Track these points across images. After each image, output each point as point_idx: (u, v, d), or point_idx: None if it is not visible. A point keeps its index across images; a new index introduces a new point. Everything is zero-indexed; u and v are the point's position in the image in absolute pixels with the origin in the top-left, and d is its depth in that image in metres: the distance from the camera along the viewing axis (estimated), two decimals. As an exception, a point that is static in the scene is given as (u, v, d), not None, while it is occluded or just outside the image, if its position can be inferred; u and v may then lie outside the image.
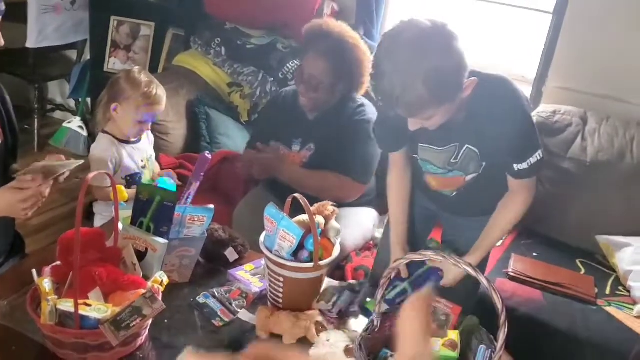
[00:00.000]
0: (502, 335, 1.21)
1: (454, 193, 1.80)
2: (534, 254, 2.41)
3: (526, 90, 1.68)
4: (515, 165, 1.61)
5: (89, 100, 3.75)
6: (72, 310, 1.23)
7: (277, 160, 2.28)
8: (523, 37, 2.87)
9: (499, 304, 1.19)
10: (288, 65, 2.90)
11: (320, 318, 1.48)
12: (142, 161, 2.18)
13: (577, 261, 2.43)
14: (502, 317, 1.20)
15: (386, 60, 1.40)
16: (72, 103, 4.05)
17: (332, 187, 2.23)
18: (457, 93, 1.43)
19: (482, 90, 1.51)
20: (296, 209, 1.56)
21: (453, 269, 1.70)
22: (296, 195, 1.49)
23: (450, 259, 1.22)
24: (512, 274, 2.22)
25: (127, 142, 2.15)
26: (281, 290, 1.54)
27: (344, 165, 2.26)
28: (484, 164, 1.66)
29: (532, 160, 1.60)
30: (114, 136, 2.11)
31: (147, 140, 2.27)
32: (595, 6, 2.59)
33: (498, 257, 2.31)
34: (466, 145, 1.63)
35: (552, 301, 2.13)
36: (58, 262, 1.38)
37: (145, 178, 2.19)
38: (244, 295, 1.61)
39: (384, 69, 1.40)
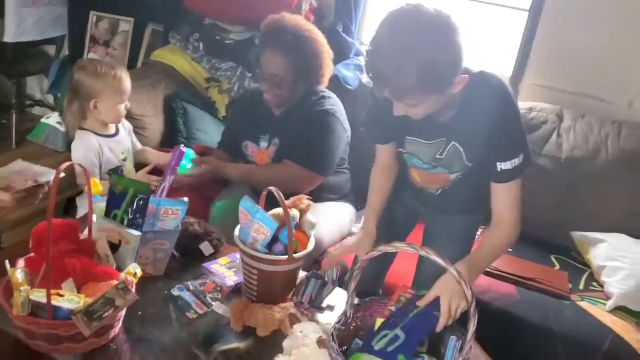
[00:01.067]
0: (471, 326, 1.23)
1: (439, 191, 1.80)
2: (509, 250, 2.42)
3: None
4: (498, 164, 1.57)
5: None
6: (45, 300, 1.22)
7: (216, 168, 2.26)
8: (499, 35, 2.89)
9: (468, 295, 1.21)
10: (267, 61, 2.90)
11: (293, 310, 1.49)
12: (122, 153, 2.18)
13: (552, 257, 2.46)
14: (472, 308, 1.22)
15: (385, 38, 1.39)
16: (50, 99, 4.01)
17: (282, 178, 2.18)
18: (447, 87, 1.43)
19: (473, 88, 1.51)
20: (272, 203, 1.57)
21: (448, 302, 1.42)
22: (271, 188, 1.49)
23: (422, 251, 1.23)
24: (486, 269, 2.24)
25: (106, 135, 2.15)
26: (255, 282, 1.54)
27: (302, 156, 2.24)
28: (469, 165, 1.65)
29: (516, 161, 1.57)
30: (93, 132, 2.11)
31: (125, 132, 2.27)
32: (571, 4, 2.62)
33: (473, 251, 2.32)
34: (452, 142, 1.63)
35: (526, 296, 2.15)
36: (32, 254, 1.37)
37: (127, 170, 2.19)
38: (218, 289, 1.62)
39: (380, 47, 1.39)
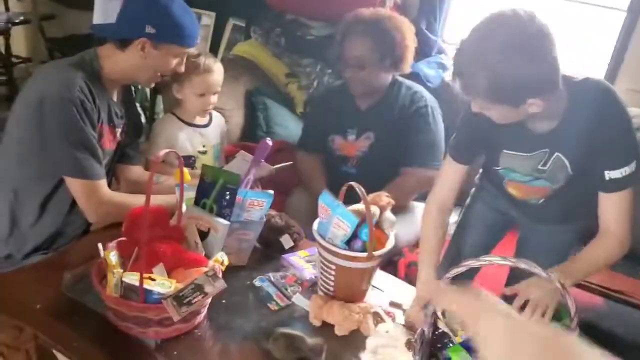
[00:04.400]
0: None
1: (541, 201, 1.70)
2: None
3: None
4: (607, 173, 1.47)
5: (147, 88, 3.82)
6: (137, 283, 1.24)
7: None
8: (593, 35, 2.78)
9: (572, 308, 1.15)
10: (347, 57, 2.88)
11: (377, 310, 1.46)
12: (203, 146, 2.17)
13: (641, 270, 2.34)
14: (574, 322, 1.16)
15: (476, 36, 1.37)
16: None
17: (416, 188, 2.30)
18: (516, 103, 1.38)
19: (579, 96, 1.44)
20: (346, 199, 1.55)
21: None
22: (352, 183, 1.46)
23: (520, 263, 1.15)
24: (572, 279, 2.15)
25: (193, 125, 2.16)
26: (332, 278, 1.52)
27: (422, 157, 2.27)
28: (573, 174, 1.56)
29: (627, 170, 1.46)
30: (179, 118, 2.13)
31: (217, 127, 2.24)
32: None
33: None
34: (556, 153, 1.55)
35: (614, 309, 2.06)
36: (123, 238, 1.40)
37: (202, 162, 2.19)
38: (299, 282, 1.61)
39: (470, 42, 1.38)
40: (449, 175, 1.73)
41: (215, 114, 2.27)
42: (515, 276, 1.86)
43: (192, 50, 2.00)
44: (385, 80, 2.31)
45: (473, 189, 2.05)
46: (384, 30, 2.20)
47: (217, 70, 2.10)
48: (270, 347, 1.33)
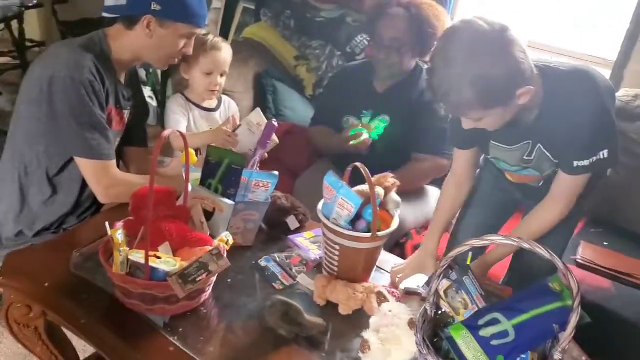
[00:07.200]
0: (573, 319, 1.16)
1: (541, 183, 1.73)
2: (604, 243, 2.32)
3: (606, 74, 1.56)
4: (575, 162, 1.51)
5: (158, 70, 3.83)
6: (142, 261, 1.26)
7: None
8: (605, 16, 2.73)
9: (574, 288, 1.14)
10: (356, 39, 2.88)
11: (381, 289, 1.47)
12: (209, 128, 2.17)
13: (650, 252, 2.33)
14: (576, 301, 1.15)
15: (440, 56, 1.39)
16: (142, 73, 4.15)
17: (424, 174, 2.34)
18: (508, 100, 1.39)
19: (557, 88, 1.46)
20: (355, 181, 1.55)
21: None
22: (357, 164, 1.46)
23: (523, 242, 1.15)
24: (580, 261, 2.15)
25: (200, 106, 2.15)
26: (336, 258, 1.52)
27: (426, 141, 2.27)
28: (557, 162, 1.59)
29: (595, 158, 1.50)
30: (187, 98, 2.13)
31: (225, 112, 2.23)
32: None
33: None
34: (538, 144, 1.58)
35: (622, 291, 2.05)
36: (130, 217, 1.42)
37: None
38: (304, 262, 1.62)
39: (436, 64, 1.39)
40: (460, 155, 1.81)
41: (227, 99, 2.26)
42: (518, 255, 1.88)
43: (200, 30, 2.00)
44: (410, 65, 2.31)
45: (478, 170, 2.05)
46: (423, 17, 2.20)
47: (225, 49, 2.09)
48: (265, 313, 1.35)
